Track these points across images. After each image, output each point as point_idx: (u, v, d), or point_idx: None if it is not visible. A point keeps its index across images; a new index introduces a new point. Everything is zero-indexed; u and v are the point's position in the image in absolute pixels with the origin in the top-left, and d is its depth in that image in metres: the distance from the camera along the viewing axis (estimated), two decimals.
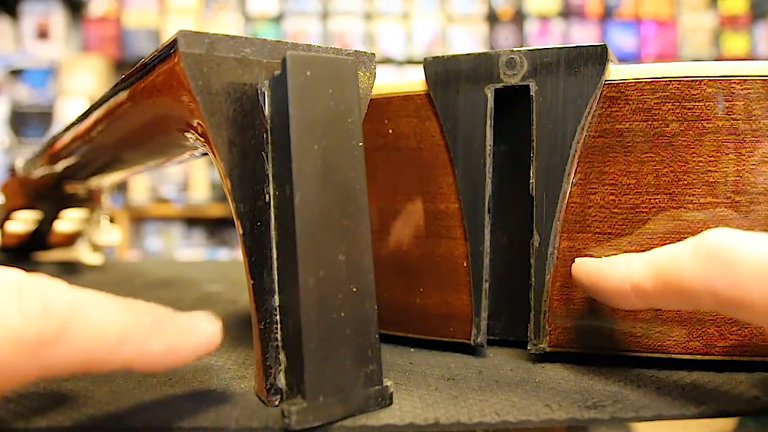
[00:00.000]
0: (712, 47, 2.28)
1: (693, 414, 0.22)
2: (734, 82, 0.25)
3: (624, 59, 2.18)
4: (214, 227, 2.26)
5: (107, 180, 0.56)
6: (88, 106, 0.32)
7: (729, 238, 0.19)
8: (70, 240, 0.66)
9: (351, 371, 0.21)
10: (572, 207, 0.27)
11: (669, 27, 2.29)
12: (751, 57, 2.25)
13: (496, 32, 2.27)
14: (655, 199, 0.26)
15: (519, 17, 2.27)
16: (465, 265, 0.29)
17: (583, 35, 2.24)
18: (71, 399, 0.23)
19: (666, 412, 0.22)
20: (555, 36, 2.24)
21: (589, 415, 0.21)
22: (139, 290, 0.49)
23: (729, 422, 0.22)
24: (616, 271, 0.22)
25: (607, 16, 2.28)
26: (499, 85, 0.28)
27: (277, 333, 0.22)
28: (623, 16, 2.29)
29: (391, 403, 0.22)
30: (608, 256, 0.27)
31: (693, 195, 0.26)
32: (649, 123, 0.26)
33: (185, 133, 0.25)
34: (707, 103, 0.25)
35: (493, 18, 2.27)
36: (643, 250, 0.26)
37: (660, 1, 2.30)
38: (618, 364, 0.27)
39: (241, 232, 0.22)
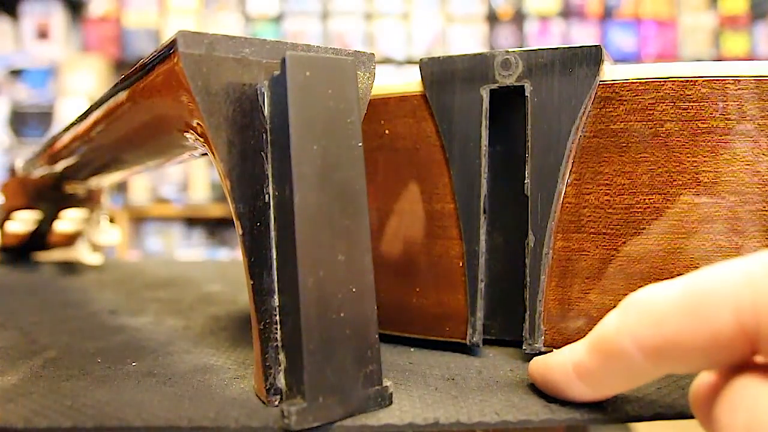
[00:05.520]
0: (712, 47, 2.28)
1: (693, 414, 0.22)
2: (728, 83, 0.25)
3: (624, 59, 2.18)
4: (214, 227, 2.26)
5: (107, 180, 0.56)
6: (88, 106, 0.32)
7: (646, 288, 0.18)
8: (70, 240, 0.66)
9: (351, 371, 0.21)
10: (567, 207, 0.27)
11: (669, 27, 2.29)
12: (751, 57, 2.25)
13: (496, 32, 2.27)
14: (649, 199, 0.26)
15: (519, 17, 2.27)
16: (461, 264, 0.29)
17: (583, 35, 2.24)
18: (71, 399, 0.23)
19: (666, 412, 0.22)
20: (555, 36, 2.24)
21: (589, 415, 0.21)
22: (139, 290, 0.49)
23: None
24: (559, 355, 0.21)
25: (607, 16, 2.28)
26: (494, 86, 0.28)
27: (276, 333, 0.22)
28: (623, 16, 2.29)
29: (390, 403, 0.22)
30: (603, 256, 0.27)
31: (688, 195, 0.26)
32: (644, 123, 0.26)
33: (185, 133, 0.25)
34: (702, 104, 0.25)
35: (493, 18, 2.27)
36: (637, 251, 0.26)
37: (660, 1, 2.30)
38: None
39: (240, 232, 0.22)
